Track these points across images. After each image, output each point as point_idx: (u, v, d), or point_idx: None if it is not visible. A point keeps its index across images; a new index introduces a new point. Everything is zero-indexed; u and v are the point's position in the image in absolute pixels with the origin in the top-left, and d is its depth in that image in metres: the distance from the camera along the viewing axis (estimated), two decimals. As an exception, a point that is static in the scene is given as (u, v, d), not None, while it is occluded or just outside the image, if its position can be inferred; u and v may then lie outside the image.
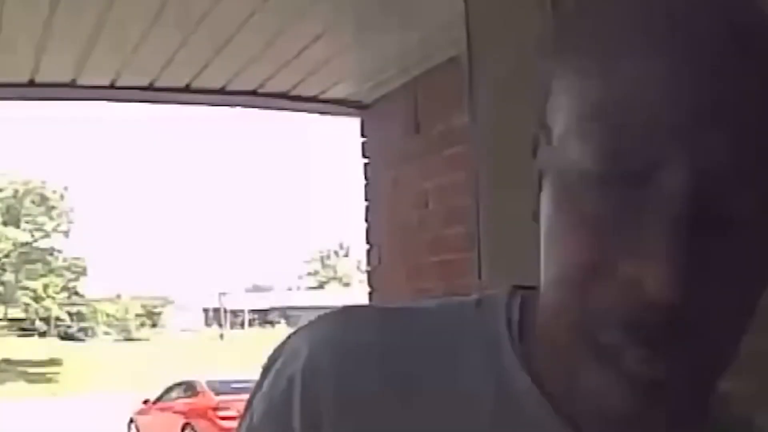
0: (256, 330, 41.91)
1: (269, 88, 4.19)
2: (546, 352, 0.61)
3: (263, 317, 44.23)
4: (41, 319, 38.56)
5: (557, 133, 0.58)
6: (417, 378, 0.62)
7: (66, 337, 38.16)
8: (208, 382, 17.23)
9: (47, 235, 39.14)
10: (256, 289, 48.86)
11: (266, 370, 0.66)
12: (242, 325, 42.82)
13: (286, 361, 0.64)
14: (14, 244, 38.11)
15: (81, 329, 39.14)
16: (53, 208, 38.87)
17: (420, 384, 0.62)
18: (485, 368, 0.62)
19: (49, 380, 30.31)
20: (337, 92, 4.31)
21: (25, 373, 30.68)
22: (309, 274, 51.57)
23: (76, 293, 39.76)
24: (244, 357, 30.53)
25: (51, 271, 38.77)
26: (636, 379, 0.55)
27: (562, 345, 0.58)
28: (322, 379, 0.62)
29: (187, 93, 4.15)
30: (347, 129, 4.71)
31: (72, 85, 3.92)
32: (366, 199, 4.40)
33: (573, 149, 0.56)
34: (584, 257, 0.55)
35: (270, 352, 0.67)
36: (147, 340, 39.13)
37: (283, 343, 0.66)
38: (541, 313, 0.61)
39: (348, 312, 0.67)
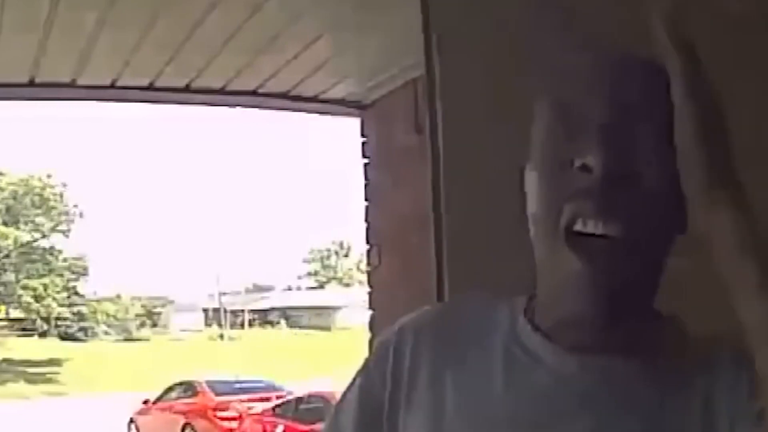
0: (256, 330, 41.91)
1: (269, 88, 4.19)
2: (540, 295, 0.96)
3: (263, 317, 44.22)
4: (41, 319, 38.57)
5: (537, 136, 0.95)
6: (461, 337, 1.00)
7: (66, 337, 38.16)
8: (208, 382, 17.27)
9: (47, 235, 39.15)
10: (256, 289, 48.86)
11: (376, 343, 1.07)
12: (242, 325, 42.79)
13: (385, 334, 1.05)
14: (15, 244, 38.13)
15: (81, 329, 39.13)
16: (53, 208, 38.87)
17: (461, 339, 1.00)
18: (506, 327, 0.98)
19: (49, 380, 30.31)
20: (337, 92, 4.31)
21: (25, 373, 30.68)
22: (309, 274, 51.57)
23: (77, 293, 39.74)
24: (244, 357, 30.58)
25: (51, 270, 38.77)
26: (594, 243, 0.87)
27: (544, 259, 0.92)
28: (406, 336, 1.01)
29: (187, 93, 4.15)
30: (347, 129, 4.72)
31: (72, 85, 3.92)
32: (366, 199, 4.41)
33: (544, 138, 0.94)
34: (550, 168, 0.91)
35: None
36: (147, 340, 39.14)
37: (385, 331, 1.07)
38: (537, 260, 0.94)
39: (423, 307, 1.08)
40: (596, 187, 0.87)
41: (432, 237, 2.06)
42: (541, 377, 0.92)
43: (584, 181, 0.88)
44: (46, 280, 38.10)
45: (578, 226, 0.88)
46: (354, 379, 1.06)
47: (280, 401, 15.12)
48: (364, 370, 1.05)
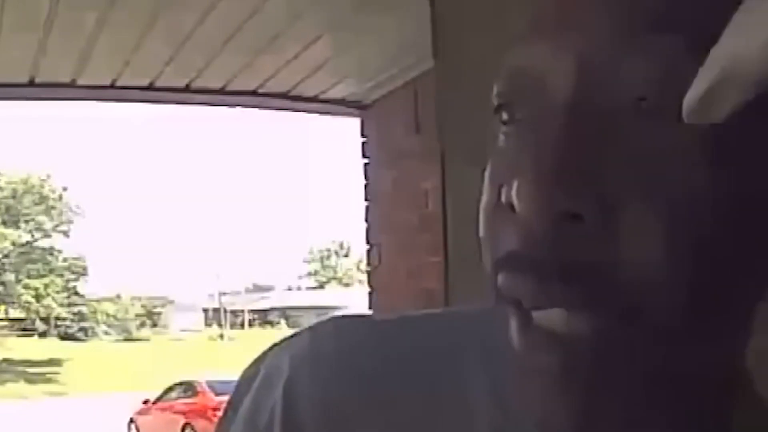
0: (256, 330, 41.92)
1: (269, 88, 4.20)
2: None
3: (263, 317, 44.23)
4: (41, 319, 38.57)
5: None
6: (404, 387, 0.56)
7: (66, 337, 38.17)
8: (208, 382, 17.26)
9: (47, 235, 39.15)
10: (256, 289, 48.87)
11: (247, 382, 0.60)
12: (242, 325, 42.82)
13: (266, 381, 0.58)
14: (14, 244, 38.12)
15: (81, 329, 39.14)
16: (53, 208, 38.87)
17: (405, 394, 0.56)
18: (481, 373, 0.56)
19: (49, 380, 30.32)
20: (337, 92, 4.32)
21: (25, 373, 30.68)
22: (309, 274, 51.57)
23: (76, 293, 39.74)
24: (244, 357, 30.55)
25: (51, 270, 38.77)
26: (537, 329, 0.47)
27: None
28: (302, 403, 0.56)
29: (187, 93, 4.15)
30: (347, 129, 4.72)
31: (72, 85, 3.92)
32: (366, 199, 4.41)
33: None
34: (491, 196, 0.51)
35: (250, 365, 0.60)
36: (147, 340, 39.14)
37: (263, 358, 0.60)
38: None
39: (331, 324, 0.60)
40: (524, 245, 0.47)
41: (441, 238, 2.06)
42: None
43: (510, 232, 0.48)
44: (46, 280, 38.10)
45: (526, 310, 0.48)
46: None
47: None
48: None
